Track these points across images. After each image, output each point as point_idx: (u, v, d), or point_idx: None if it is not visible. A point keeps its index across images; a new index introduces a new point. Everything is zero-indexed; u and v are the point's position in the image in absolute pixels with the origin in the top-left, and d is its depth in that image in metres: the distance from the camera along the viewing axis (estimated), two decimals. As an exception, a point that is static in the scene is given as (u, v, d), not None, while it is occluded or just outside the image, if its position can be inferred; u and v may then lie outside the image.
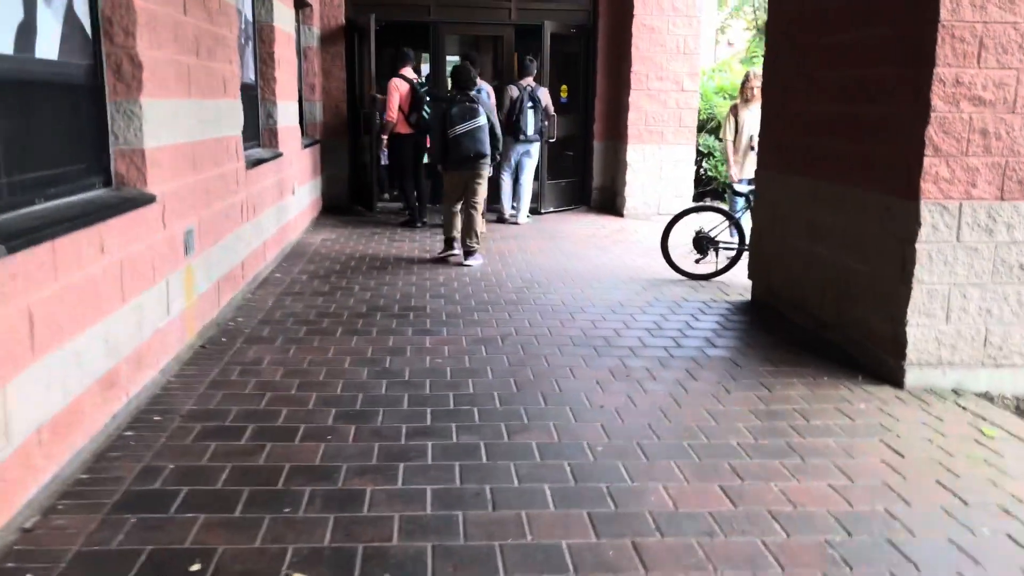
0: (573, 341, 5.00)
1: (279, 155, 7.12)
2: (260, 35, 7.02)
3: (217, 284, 5.08)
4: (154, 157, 3.94)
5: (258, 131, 7.09)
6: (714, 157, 11.76)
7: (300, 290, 6.12)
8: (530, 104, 9.38)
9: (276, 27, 7.18)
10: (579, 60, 13.21)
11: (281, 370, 4.33)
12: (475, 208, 7.13)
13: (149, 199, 3.80)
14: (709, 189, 11.77)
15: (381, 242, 8.24)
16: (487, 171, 7.18)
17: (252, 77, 6.96)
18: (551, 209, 10.46)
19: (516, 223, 9.50)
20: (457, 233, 7.30)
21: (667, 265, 6.97)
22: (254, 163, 6.14)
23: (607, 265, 7.42)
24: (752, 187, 7.44)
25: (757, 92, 7.72)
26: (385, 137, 8.93)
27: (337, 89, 10.18)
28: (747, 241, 6.81)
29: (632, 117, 10.00)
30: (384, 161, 9.37)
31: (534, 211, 10.23)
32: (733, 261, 6.87)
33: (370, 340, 4.91)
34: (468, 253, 7.21)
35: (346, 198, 10.46)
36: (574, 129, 10.74)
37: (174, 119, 4.25)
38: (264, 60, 7.07)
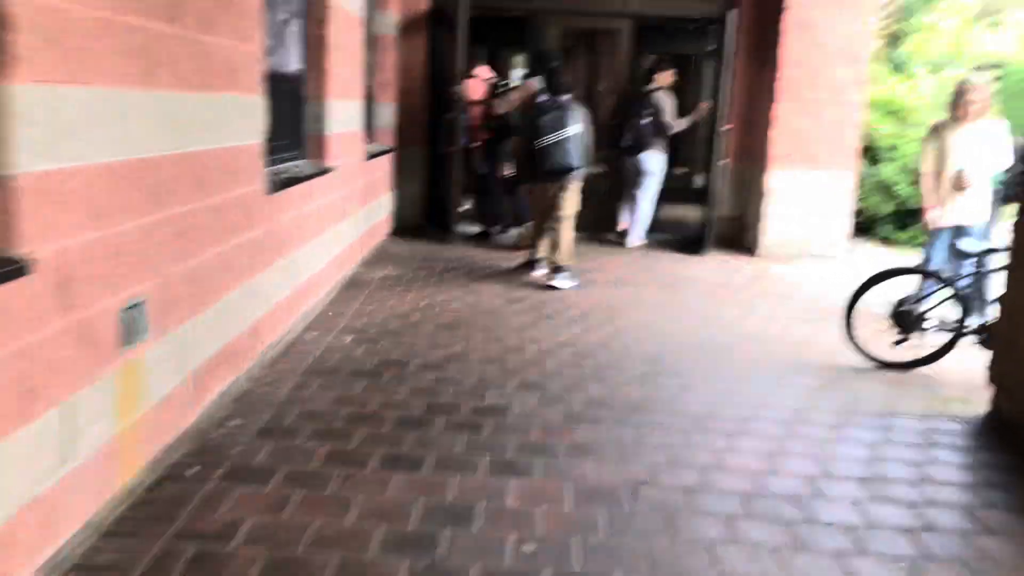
0: (745, 508, 3.06)
1: (326, 171, 5.40)
2: (310, 11, 5.32)
3: (197, 376, 3.36)
4: (43, 188, 2.22)
5: (300, 138, 5.40)
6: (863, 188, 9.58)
7: (335, 366, 4.36)
8: (631, 113, 8.24)
9: (333, 3, 5.48)
10: (699, 61, 11.23)
11: (262, 558, 2.55)
12: (560, 224, 6.47)
13: (14, 269, 2.07)
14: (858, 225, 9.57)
15: (457, 280, 6.46)
16: (576, 186, 6.49)
17: (295, 66, 5.27)
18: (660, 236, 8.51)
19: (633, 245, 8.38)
20: (541, 253, 6.75)
21: (849, 345, 4.96)
22: (282, 184, 4.42)
23: (757, 335, 5.44)
24: (976, 241, 5.36)
25: (978, 108, 5.64)
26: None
27: (416, 89, 8.47)
28: (980, 320, 4.77)
29: (777, 134, 7.96)
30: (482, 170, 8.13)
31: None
32: (950, 345, 4.80)
33: (419, 483, 3.09)
34: (556, 270, 6.53)
35: (421, 218, 8.74)
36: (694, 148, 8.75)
37: (103, 121, 2.52)
38: (313, 45, 5.37)
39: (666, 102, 8.57)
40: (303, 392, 3.95)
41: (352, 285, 6.17)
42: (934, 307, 4.88)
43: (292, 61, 5.20)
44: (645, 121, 8.14)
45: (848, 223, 8.18)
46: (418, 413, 3.78)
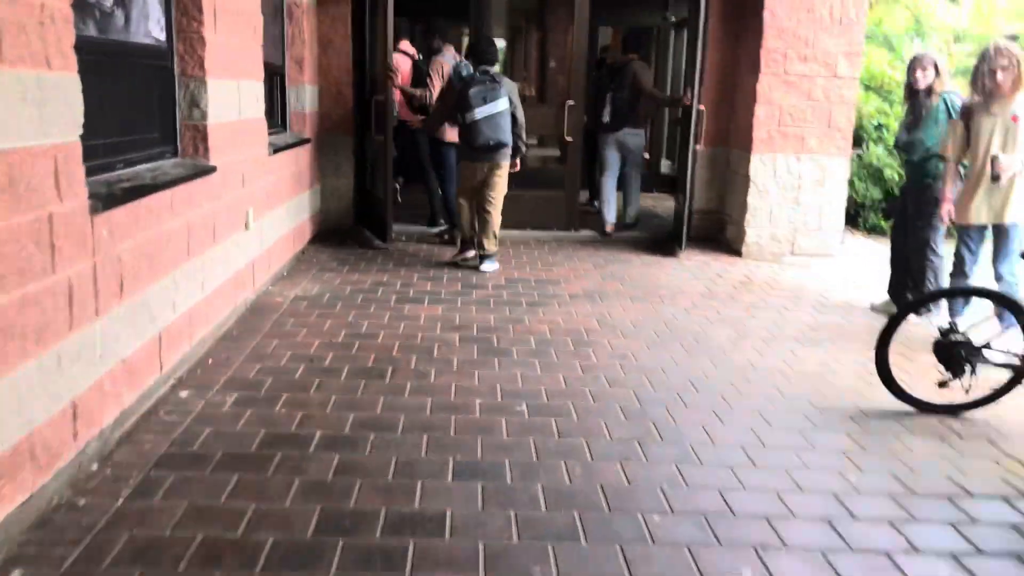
0: None
1: (206, 171, 4.15)
2: (177, -40, 4.05)
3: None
4: None
5: (169, 131, 4.13)
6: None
7: (199, 451, 3.14)
8: (612, 86, 7.54)
9: (210, -46, 4.20)
10: (663, 34, 10.11)
11: None
12: (491, 205, 6.24)
13: None
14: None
15: (388, 297, 5.26)
16: (507, 163, 6.21)
17: (159, 36, 3.99)
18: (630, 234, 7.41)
19: (629, 223, 7.82)
20: (472, 232, 6.38)
21: (885, 383, 3.89)
22: (123, 197, 3.17)
23: (759, 366, 4.36)
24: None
25: (1012, 81, 4.61)
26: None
27: (340, 67, 7.20)
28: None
29: (761, 113, 6.87)
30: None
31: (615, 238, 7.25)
32: (1012, 383, 3.76)
33: None
34: (483, 258, 6.30)
35: (353, 219, 7.49)
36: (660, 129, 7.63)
37: None
38: (183, 8, 4.09)
39: (645, 73, 7.70)
40: (139, 505, 2.73)
41: (255, 312, 4.93)
42: (987, 335, 3.82)
43: (152, 27, 3.92)
44: (621, 94, 7.46)
45: (841, 217, 7.13)
46: (308, 537, 2.59)
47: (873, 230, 9.00)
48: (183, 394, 3.64)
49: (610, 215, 7.71)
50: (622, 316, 5.20)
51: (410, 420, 3.48)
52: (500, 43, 17.66)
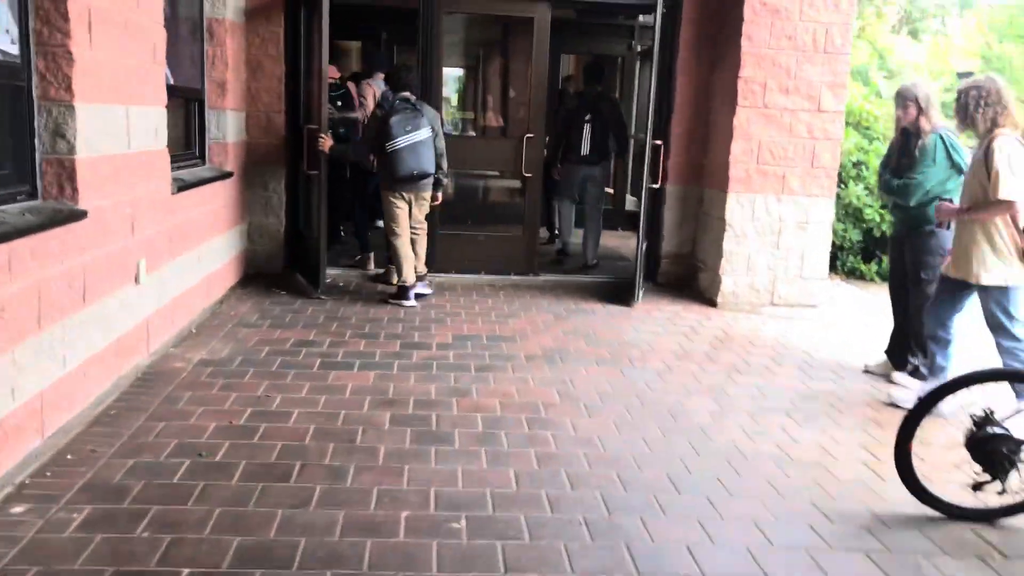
0: None
1: (69, 217, 3.33)
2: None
3: None
4: None
5: (31, 167, 3.32)
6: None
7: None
8: (590, 117, 7.22)
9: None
10: (631, 59, 9.51)
11: None
12: (418, 233, 6.11)
13: None
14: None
15: (312, 361, 4.45)
16: (429, 194, 6.01)
17: (9, 49, 3.19)
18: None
19: (591, 264, 7.40)
20: (418, 269, 6.12)
21: (906, 487, 3.19)
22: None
23: (746, 451, 3.64)
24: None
25: (997, 116, 4.04)
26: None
27: (270, 91, 6.43)
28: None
29: (737, 150, 6.23)
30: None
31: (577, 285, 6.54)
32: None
33: None
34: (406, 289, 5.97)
35: (284, 260, 6.68)
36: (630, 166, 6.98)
37: None
38: (44, 16, 3.29)
39: (616, 107, 7.58)
40: None
41: (146, 383, 4.09)
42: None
43: (0, 37, 3.12)
44: (598, 126, 7.23)
45: (824, 264, 6.49)
46: None
47: (852, 274, 8.43)
48: (17, 509, 2.80)
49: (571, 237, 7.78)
50: (586, 385, 4.45)
51: (312, 548, 2.67)
52: (455, 72, 17.12)
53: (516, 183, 9.40)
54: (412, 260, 5.95)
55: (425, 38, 6.60)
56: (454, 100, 17.82)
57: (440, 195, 6.17)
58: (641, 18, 9.00)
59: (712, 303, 6.42)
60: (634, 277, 6.38)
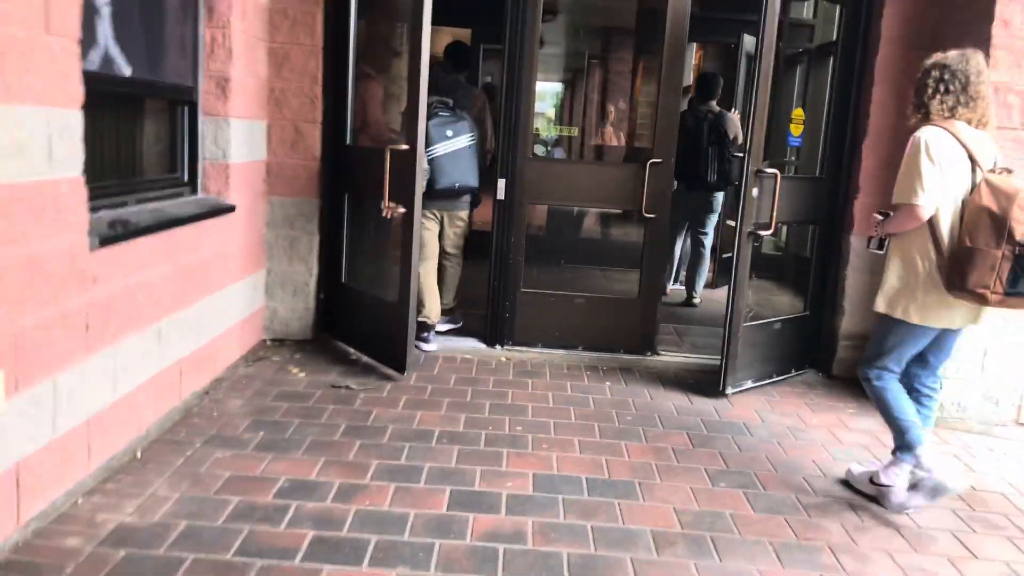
0: None
1: None
2: None
3: None
4: None
5: None
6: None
7: None
8: (712, 138, 6.26)
9: None
10: (814, 73, 7.39)
11: None
12: (451, 261, 5.16)
13: None
14: None
15: (295, 549, 2.62)
16: (466, 213, 5.07)
17: None
18: (746, 384, 4.65)
19: (692, 304, 6.56)
20: (445, 302, 5.14)
21: None
22: None
23: None
24: None
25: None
26: None
27: (301, 93, 4.69)
28: None
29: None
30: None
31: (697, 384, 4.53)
32: None
33: None
34: (423, 329, 4.90)
35: (316, 323, 4.94)
36: (805, 205, 4.91)
37: None
38: None
39: (734, 125, 6.39)
40: None
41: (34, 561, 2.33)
42: None
43: None
44: (712, 149, 6.26)
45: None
46: None
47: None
48: None
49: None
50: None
51: None
52: (556, 86, 15.22)
53: (632, 227, 7.45)
54: (437, 294, 5.01)
55: (514, 27, 4.75)
56: (550, 112, 15.92)
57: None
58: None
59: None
60: (723, 361, 4.43)
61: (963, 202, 3.01)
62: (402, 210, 4.26)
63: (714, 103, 6.34)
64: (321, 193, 4.85)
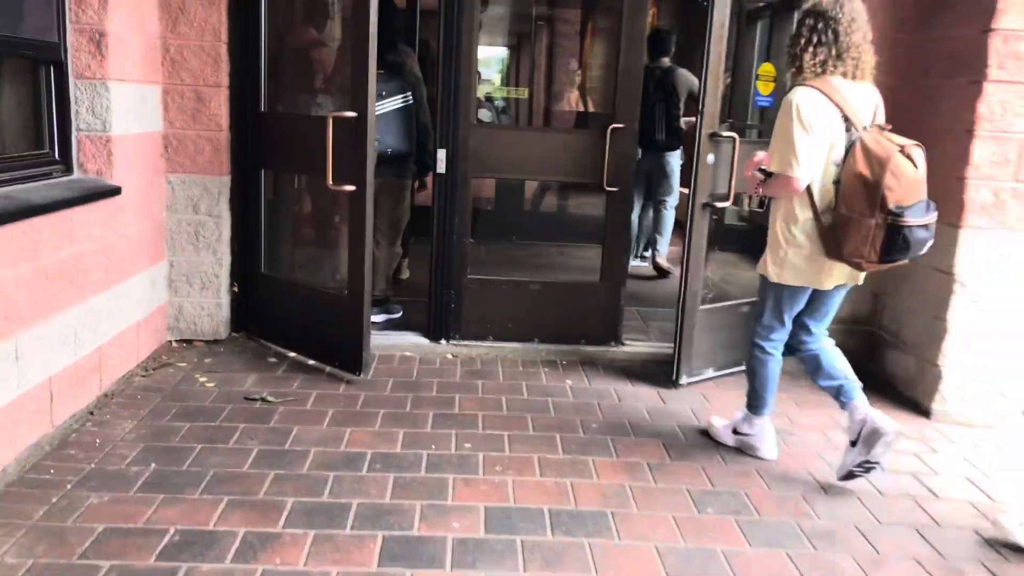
0: None
1: None
2: None
3: None
4: None
5: None
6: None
7: None
8: (659, 96, 5.88)
9: None
10: (778, 27, 6.83)
11: None
12: (382, 240, 4.54)
13: None
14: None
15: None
16: (405, 182, 4.62)
17: None
18: (709, 373, 4.16)
19: (664, 273, 6.12)
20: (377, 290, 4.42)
21: None
22: None
23: None
24: None
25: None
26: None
27: (203, 52, 3.97)
28: None
29: (981, 157, 3.62)
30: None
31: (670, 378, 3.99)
32: None
33: None
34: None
35: (228, 321, 4.27)
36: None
37: None
38: None
39: (692, 81, 5.95)
40: None
41: None
42: None
43: None
44: (671, 105, 5.94)
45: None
46: None
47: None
48: None
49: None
50: None
51: None
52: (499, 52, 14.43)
53: (592, 199, 6.85)
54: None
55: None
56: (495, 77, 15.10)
57: (428, 181, 4.58)
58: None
59: (921, 410, 3.84)
60: (675, 350, 3.99)
61: (840, 165, 2.85)
62: (350, 188, 3.65)
63: (666, 60, 5.95)
64: (232, 169, 4.16)
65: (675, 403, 3.82)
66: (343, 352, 3.91)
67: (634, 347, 4.51)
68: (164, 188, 4.03)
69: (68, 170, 3.40)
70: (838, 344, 3.26)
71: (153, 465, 2.93)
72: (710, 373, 4.19)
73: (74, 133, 3.41)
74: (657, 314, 5.10)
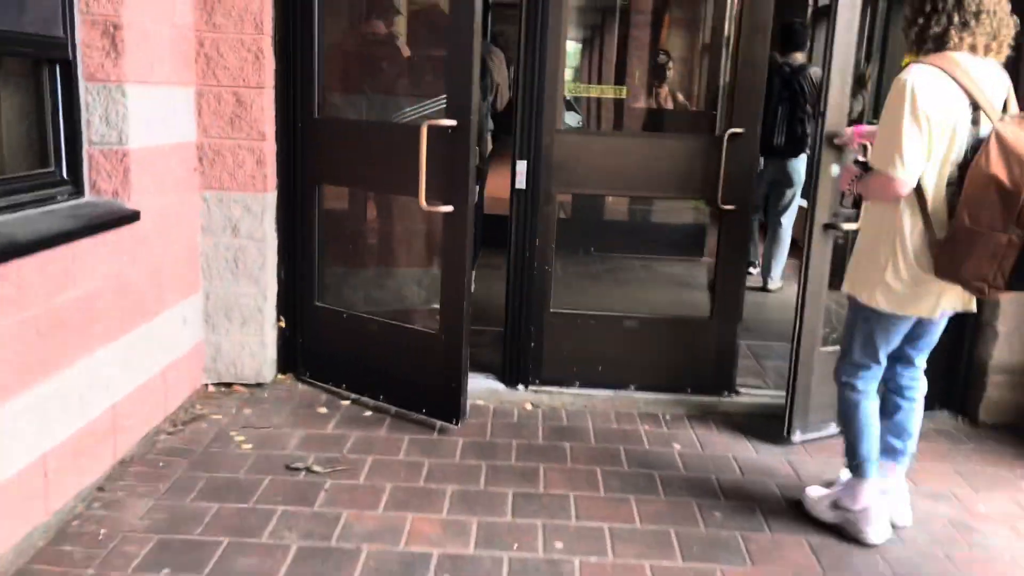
0: None
1: None
2: None
3: None
4: None
5: None
6: None
7: None
8: (785, 95, 5.05)
9: None
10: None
11: None
12: None
13: None
14: None
15: None
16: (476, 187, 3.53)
17: None
18: (831, 430, 3.33)
19: (768, 290, 5.37)
20: None
21: None
22: None
23: None
24: None
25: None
26: None
27: (242, 48, 3.35)
28: None
29: None
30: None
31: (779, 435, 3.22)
32: None
33: None
34: None
35: (274, 361, 3.67)
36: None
37: None
38: None
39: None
40: None
41: None
42: None
43: None
44: (797, 108, 5.13)
45: None
46: None
47: None
48: None
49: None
50: None
51: None
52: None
53: (677, 204, 6.07)
54: None
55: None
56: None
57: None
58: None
59: None
60: (787, 400, 3.18)
61: (963, 163, 2.24)
62: (447, 209, 3.03)
63: (799, 55, 5.19)
64: (277, 185, 3.55)
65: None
66: (433, 397, 3.30)
67: (751, 396, 3.75)
68: (198, 208, 3.44)
69: (78, 192, 2.82)
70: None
71: (166, 572, 2.31)
72: (832, 429, 3.41)
73: (85, 147, 2.82)
74: (772, 351, 4.32)
